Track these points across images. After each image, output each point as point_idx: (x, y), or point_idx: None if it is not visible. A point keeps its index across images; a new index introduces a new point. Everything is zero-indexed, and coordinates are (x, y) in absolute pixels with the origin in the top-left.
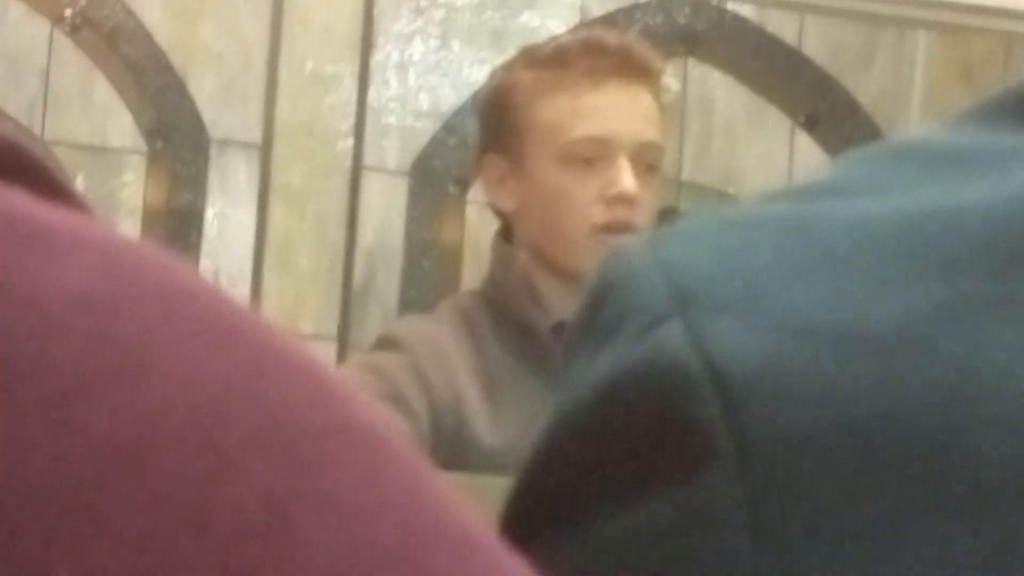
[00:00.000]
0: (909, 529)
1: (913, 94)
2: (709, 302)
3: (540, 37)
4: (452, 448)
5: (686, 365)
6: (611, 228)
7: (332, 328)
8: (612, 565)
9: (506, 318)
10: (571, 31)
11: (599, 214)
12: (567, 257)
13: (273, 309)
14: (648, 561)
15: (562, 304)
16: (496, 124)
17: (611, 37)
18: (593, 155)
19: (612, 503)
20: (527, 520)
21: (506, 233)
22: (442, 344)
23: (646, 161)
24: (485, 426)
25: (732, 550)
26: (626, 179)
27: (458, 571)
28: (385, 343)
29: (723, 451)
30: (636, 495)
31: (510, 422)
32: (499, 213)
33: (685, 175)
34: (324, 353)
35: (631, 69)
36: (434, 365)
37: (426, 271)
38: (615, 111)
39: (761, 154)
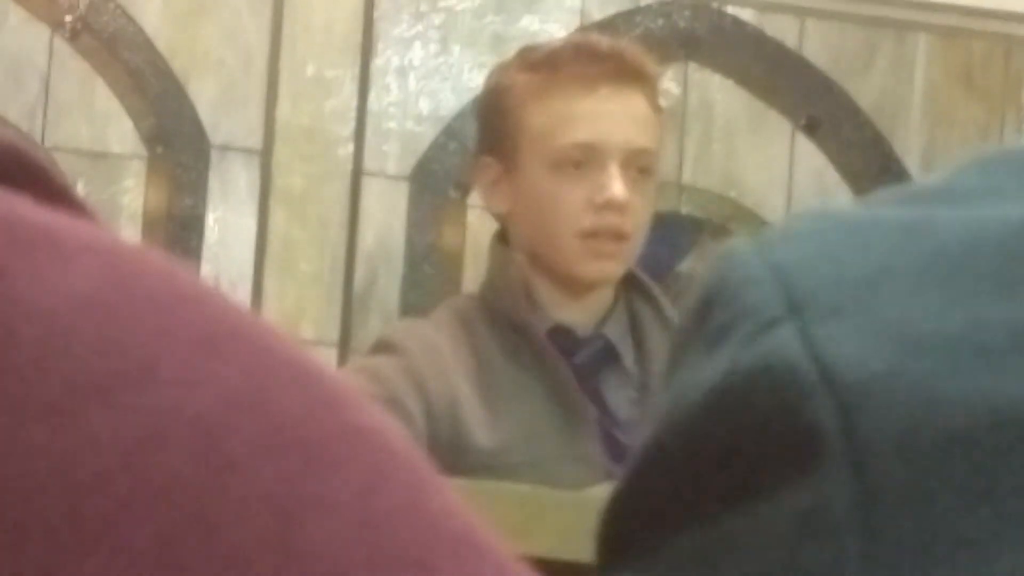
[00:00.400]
0: (1022, 535)
1: (913, 97)
2: (822, 306)
3: (540, 41)
4: (449, 451)
5: (799, 369)
6: (599, 234)
7: (333, 333)
8: (720, 566)
9: (503, 321)
10: (570, 35)
11: (588, 220)
12: (558, 261)
13: (274, 314)
14: (756, 562)
15: (558, 308)
16: (490, 127)
17: (604, 41)
18: (583, 161)
19: (721, 505)
20: (633, 520)
21: (503, 236)
22: (439, 347)
23: (637, 166)
24: (482, 429)
25: (841, 552)
26: (615, 186)
27: (462, 573)
28: (381, 347)
29: (835, 454)
30: (746, 497)
31: (507, 424)
32: (495, 216)
33: (685, 179)
34: (325, 358)
35: (624, 74)
36: (430, 368)
37: (427, 276)
38: (606, 117)
39: (761, 157)
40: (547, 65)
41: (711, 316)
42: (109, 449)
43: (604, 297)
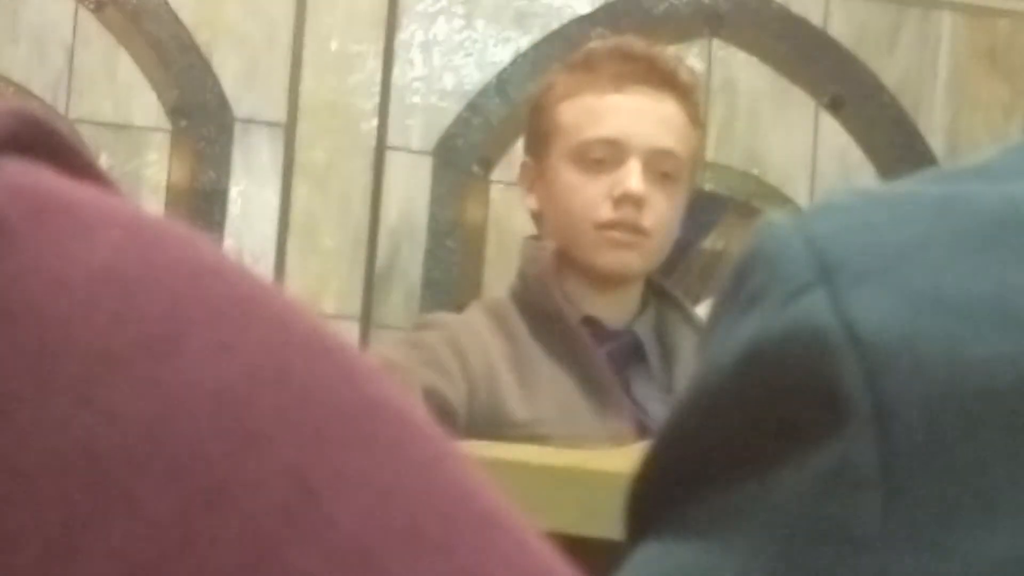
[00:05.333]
0: None
1: (937, 75)
2: (853, 272)
3: (564, 17)
4: (485, 420)
5: (828, 331)
6: (616, 227)
7: (355, 308)
8: (746, 524)
9: (536, 311)
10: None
11: (605, 212)
12: (580, 254)
13: (296, 288)
14: (782, 518)
15: (587, 303)
16: (530, 127)
17: (640, 44)
18: (605, 157)
19: (750, 465)
20: (661, 485)
21: (536, 237)
22: (476, 327)
23: (661, 168)
24: (517, 402)
25: (864, 508)
26: (633, 180)
27: (483, 548)
28: (421, 325)
29: (861, 414)
30: (774, 457)
31: (541, 401)
32: (532, 216)
33: (709, 156)
34: (347, 333)
35: (655, 75)
36: (469, 341)
37: (450, 251)
38: (632, 115)
39: (785, 135)
40: (583, 65)
41: (746, 283)
42: (130, 421)
43: (631, 297)
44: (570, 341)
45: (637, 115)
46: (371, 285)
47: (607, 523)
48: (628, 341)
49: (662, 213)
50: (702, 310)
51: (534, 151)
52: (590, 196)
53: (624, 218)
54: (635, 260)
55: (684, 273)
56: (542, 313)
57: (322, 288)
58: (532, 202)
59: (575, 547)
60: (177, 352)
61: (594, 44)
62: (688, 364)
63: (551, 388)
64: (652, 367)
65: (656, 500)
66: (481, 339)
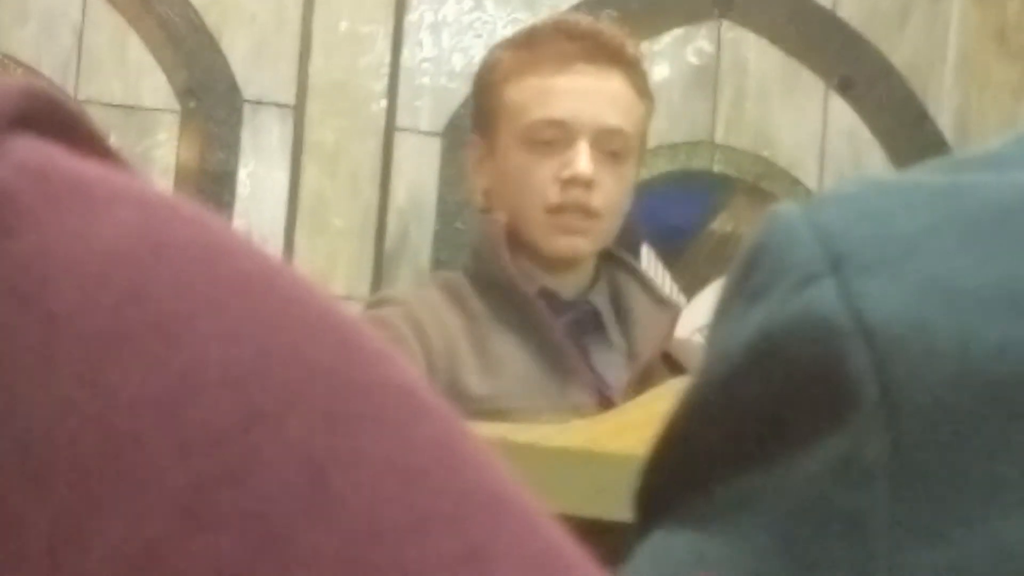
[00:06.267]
0: None
1: (947, 57)
2: (861, 262)
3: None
4: (445, 394)
5: (837, 321)
6: (565, 210)
7: (364, 288)
8: (755, 512)
9: (491, 285)
10: (554, 14)
11: (554, 195)
12: (530, 237)
13: (305, 269)
14: (792, 507)
15: (540, 276)
16: (477, 104)
17: (583, 20)
18: (553, 138)
19: (759, 455)
20: (670, 475)
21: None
22: (433, 303)
23: (609, 147)
24: (476, 377)
25: (873, 497)
26: (580, 162)
27: (493, 527)
28: (380, 302)
29: (870, 403)
30: (784, 446)
31: (500, 375)
32: (480, 194)
33: (718, 138)
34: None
35: (600, 52)
36: (428, 316)
37: (459, 232)
38: (578, 94)
39: (794, 117)
40: (526, 43)
41: (754, 273)
42: (140, 401)
43: (585, 269)
44: (527, 314)
45: (583, 95)
46: (380, 266)
47: (617, 505)
48: (585, 311)
49: (612, 192)
50: (710, 293)
51: (481, 129)
52: (538, 179)
53: (573, 200)
54: (585, 244)
55: (693, 256)
56: (497, 287)
57: (331, 269)
58: (481, 181)
59: (585, 528)
60: (187, 332)
61: (538, 22)
62: (645, 328)
63: (510, 362)
64: (610, 335)
65: (665, 489)
66: (439, 315)
